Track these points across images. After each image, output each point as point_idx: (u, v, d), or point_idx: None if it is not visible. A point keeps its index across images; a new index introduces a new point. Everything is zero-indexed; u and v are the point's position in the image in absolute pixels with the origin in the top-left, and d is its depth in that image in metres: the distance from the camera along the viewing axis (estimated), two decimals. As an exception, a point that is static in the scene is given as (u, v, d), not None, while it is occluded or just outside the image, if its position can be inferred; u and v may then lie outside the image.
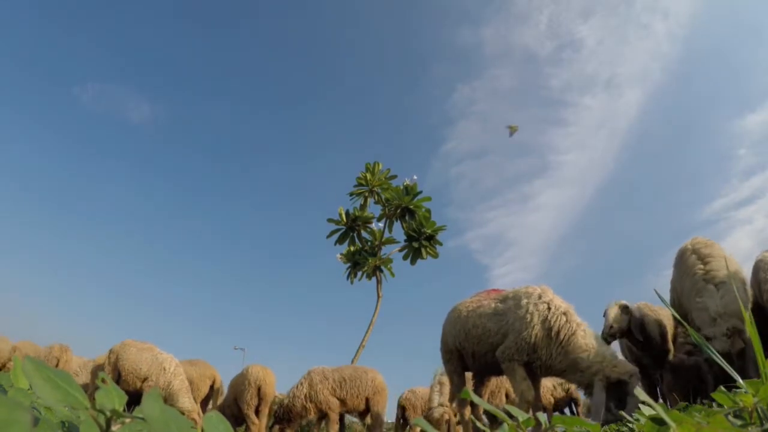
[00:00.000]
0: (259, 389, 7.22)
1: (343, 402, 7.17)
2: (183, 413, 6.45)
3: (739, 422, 0.83)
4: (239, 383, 7.35)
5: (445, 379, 6.74)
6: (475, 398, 0.95)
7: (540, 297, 4.16)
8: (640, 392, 0.85)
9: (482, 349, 4.43)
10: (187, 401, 6.63)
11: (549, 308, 4.03)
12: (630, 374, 3.67)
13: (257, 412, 7.22)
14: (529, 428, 0.90)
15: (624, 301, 5.25)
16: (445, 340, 4.97)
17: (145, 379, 6.73)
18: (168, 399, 6.64)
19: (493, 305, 4.44)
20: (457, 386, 4.94)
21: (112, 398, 0.53)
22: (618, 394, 3.65)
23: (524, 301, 4.16)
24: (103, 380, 0.55)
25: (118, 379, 6.83)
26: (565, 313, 3.99)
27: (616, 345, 5.50)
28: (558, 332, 3.90)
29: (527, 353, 3.99)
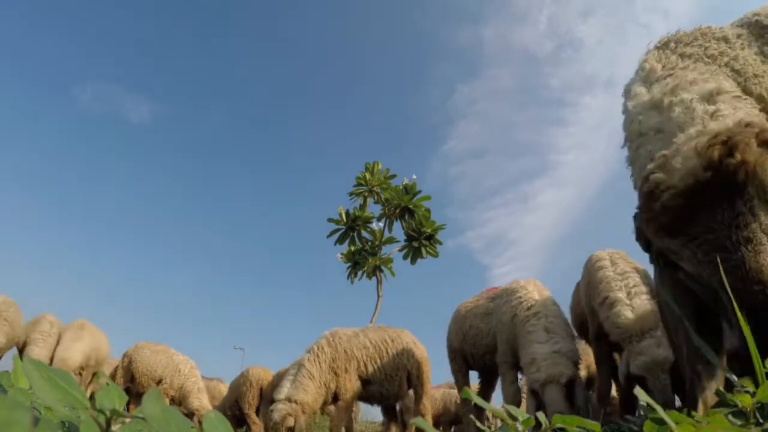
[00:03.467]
0: (261, 390, 7.25)
1: None
2: (193, 413, 6.56)
3: (738, 422, 0.83)
4: (240, 384, 7.40)
5: (313, 364, 4.36)
6: (475, 398, 0.95)
7: (516, 293, 3.89)
8: (640, 392, 0.84)
9: (479, 350, 4.39)
10: (196, 401, 6.70)
11: (520, 304, 3.77)
12: (543, 383, 3.16)
13: (258, 412, 7.24)
14: (530, 428, 0.89)
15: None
16: (449, 339, 4.99)
17: (159, 381, 6.78)
18: (181, 400, 6.73)
19: (485, 305, 4.40)
20: (461, 385, 4.97)
21: (112, 398, 0.54)
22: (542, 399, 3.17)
23: (505, 299, 4.01)
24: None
25: (131, 381, 6.88)
26: (530, 307, 3.67)
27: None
28: (520, 327, 3.65)
29: (512, 355, 3.82)
